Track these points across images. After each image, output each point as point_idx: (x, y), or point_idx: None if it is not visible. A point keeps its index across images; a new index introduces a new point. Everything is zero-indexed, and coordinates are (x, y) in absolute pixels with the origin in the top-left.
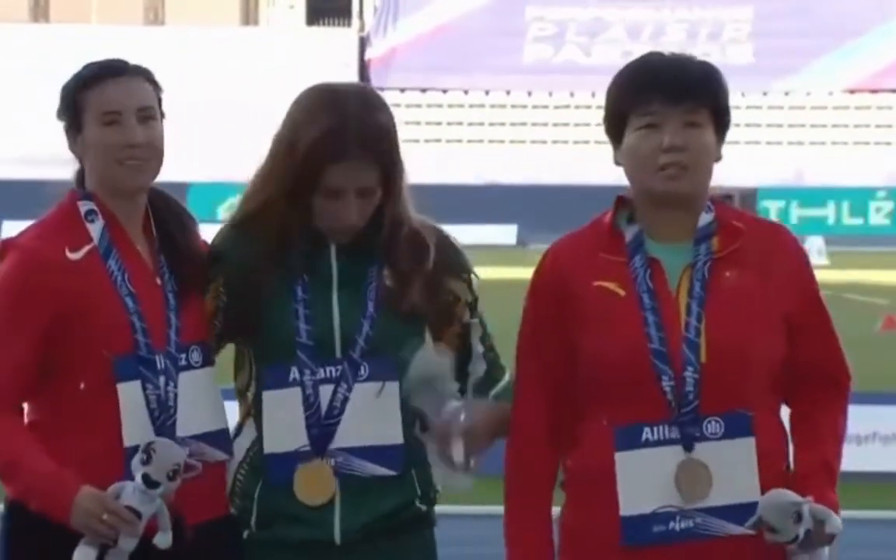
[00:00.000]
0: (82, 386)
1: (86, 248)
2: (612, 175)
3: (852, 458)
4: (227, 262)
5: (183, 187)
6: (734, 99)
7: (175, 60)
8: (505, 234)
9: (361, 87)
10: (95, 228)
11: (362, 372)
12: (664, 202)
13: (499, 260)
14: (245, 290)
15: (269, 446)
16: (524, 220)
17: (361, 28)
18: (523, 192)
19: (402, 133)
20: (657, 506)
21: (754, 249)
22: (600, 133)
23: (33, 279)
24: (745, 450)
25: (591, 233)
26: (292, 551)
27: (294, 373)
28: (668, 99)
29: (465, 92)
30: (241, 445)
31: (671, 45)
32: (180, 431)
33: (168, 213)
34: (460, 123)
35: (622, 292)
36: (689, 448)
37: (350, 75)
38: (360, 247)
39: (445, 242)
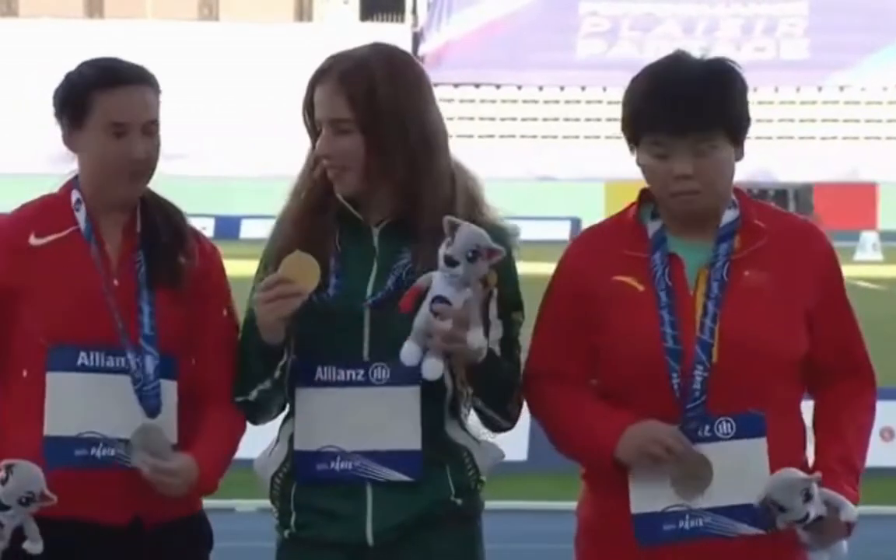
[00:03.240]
0: (25, 373)
1: (52, 237)
2: None
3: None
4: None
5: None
6: (789, 93)
7: (229, 56)
8: (558, 229)
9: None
10: (81, 216)
11: (383, 375)
12: (682, 219)
13: (552, 256)
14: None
15: (299, 443)
16: (577, 216)
17: (415, 23)
18: (576, 188)
19: (455, 128)
20: (667, 504)
21: (778, 247)
22: None
23: None
24: (756, 450)
25: (613, 227)
26: (329, 551)
27: (320, 372)
28: (673, 131)
29: (519, 87)
30: (280, 449)
31: (725, 40)
32: (111, 432)
33: (160, 222)
34: (513, 119)
35: (641, 287)
36: None
37: None
38: (399, 234)
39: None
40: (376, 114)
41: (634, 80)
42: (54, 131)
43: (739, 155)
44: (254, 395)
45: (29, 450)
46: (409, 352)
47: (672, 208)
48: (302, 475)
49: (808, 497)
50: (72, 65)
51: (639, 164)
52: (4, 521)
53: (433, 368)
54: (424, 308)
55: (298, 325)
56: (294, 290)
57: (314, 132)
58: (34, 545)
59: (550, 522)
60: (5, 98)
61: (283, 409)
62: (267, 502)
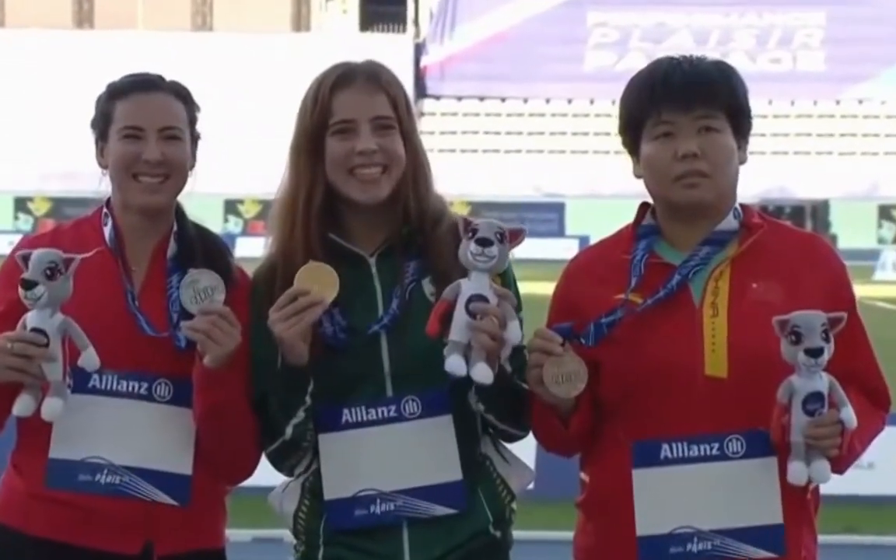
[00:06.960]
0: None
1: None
2: None
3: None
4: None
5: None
6: (805, 107)
7: (224, 67)
8: (566, 248)
9: None
10: (107, 230)
11: (414, 409)
12: (685, 212)
13: (559, 274)
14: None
15: (329, 492)
16: (586, 233)
17: (417, 34)
18: (585, 205)
19: (459, 143)
20: (674, 526)
21: (785, 260)
22: None
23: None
24: (766, 470)
25: (613, 244)
26: None
27: (347, 415)
28: (679, 106)
29: (525, 100)
30: (295, 487)
31: (740, 51)
32: (117, 459)
33: (199, 253)
34: (520, 133)
35: (639, 300)
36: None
37: (405, 82)
38: (396, 257)
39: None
40: (410, 119)
41: (629, 84)
42: (44, 146)
43: (743, 157)
44: (289, 431)
45: (37, 471)
46: (454, 364)
47: (674, 198)
48: (337, 524)
49: (826, 337)
50: (60, 75)
51: (638, 173)
52: (43, 324)
53: (485, 373)
54: (460, 315)
55: (313, 370)
56: (311, 300)
57: (315, 150)
58: (88, 353)
59: (558, 554)
60: None
61: (314, 450)
62: (262, 532)
